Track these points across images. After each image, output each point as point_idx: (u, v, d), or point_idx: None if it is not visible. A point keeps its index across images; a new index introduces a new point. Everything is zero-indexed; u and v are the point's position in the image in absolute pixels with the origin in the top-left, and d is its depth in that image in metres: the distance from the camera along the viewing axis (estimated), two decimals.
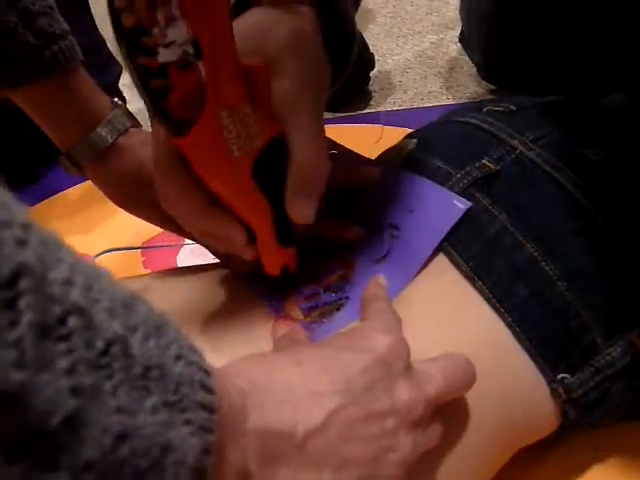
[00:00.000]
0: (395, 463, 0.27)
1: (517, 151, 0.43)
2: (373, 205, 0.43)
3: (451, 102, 1.03)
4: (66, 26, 0.44)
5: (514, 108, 0.49)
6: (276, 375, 0.27)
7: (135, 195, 0.46)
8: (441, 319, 0.37)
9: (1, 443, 0.15)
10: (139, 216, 0.50)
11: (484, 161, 0.42)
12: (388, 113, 1.00)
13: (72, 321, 0.17)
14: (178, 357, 0.21)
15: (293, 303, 0.41)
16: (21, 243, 0.16)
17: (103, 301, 0.19)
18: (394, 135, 0.77)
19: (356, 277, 0.41)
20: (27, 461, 0.16)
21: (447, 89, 1.08)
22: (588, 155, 0.42)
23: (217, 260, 0.47)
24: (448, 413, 0.32)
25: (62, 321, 0.17)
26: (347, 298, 0.40)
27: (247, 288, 0.42)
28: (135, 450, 0.18)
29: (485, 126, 0.46)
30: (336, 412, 0.26)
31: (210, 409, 0.22)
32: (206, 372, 0.23)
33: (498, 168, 0.42)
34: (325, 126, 0.37)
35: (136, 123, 0.47)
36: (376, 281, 0.38)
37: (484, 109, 0.49)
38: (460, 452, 0.34)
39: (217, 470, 0.22)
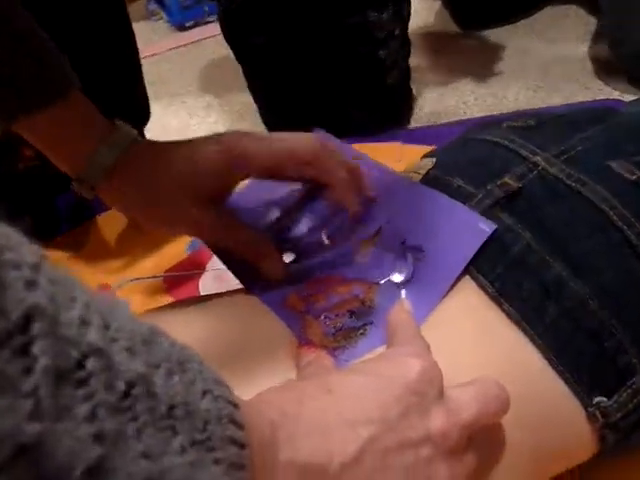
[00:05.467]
0: None
1: (539, 167, 0.42)
2: (397, 226, 0.43)
3: (469, 117, 1.02)
4: (62, 55, 0.45)
5: (533, 123, 0.48)
6: (307, 404, 0.26)
7: (150, 209, 0.46)
8: (468, 344, 0.36)
9: None
10: (156, 228, 0.49)
11: (506, 179, 0.41)
12: (406, 131, 0.99)
13: (90, 364, 0.17)
14: (204, 392, 0.21)
15: (316, 328, 0.40)
16: (31, 284, 0.16)
17: (122, 339, 0.18)
18: (413, 153, 0.77)
19: (380, 301, 0.40)
20: None
21: (464, 103, 1.07)
22: (613, 168, 0.41)
23: (239, 286, 0.47)
24: (482, 439, 0.31)
25: (79, 364, 0.16)
26: (371, 323, 0.40)
27: (269, 313, 0.42)
28: None
29: (505, 143, 0.45)
30: (371, 442, 0.26)
31: (240, 445, 0.21)
32: (234, 405, 0.22)
33: (520, 185, 0.41)
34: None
35: (141, 139, 0.46)
36: (401, 306, 0.37)
37: (503, 125, 0.48)
38: (495, 478, 0.33)
39: None
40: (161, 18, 1.86)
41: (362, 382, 0.28)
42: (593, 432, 0.35)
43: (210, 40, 1.56)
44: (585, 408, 0.35)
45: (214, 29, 1.43)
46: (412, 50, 1.10)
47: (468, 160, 0.46)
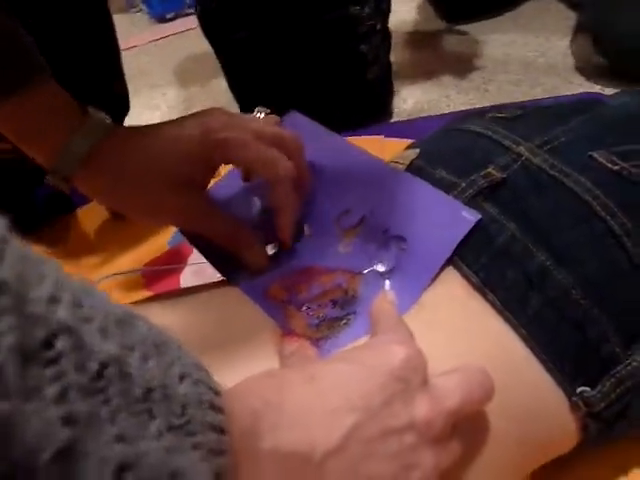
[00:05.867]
0: None
1: (523, 157, 0.41)
2: (380, 216, 0.42)
3: (451, 110, 1.02)
4: (31, 39, 0.43)
5: (518, 113, 0.48)
6: (289, 393, 0.26)
7: (128, 198, 0.44)
8: (451, 333, 0.36)
9: None
10: (137, 218, 0.48)
11: (489, 169, 0.41)
12: (388, 124, 0.99)
13: (60, 343, 0.16)
14: (183, 376, 0.20)
15: (299, 318, 0.39)
16: None
17: (95, 320, 0.18)
18: (395, 147, 0.76)
19: (363, 291, 0.40)
20: None
21: (447, 97, 1.07)
22: (596, 158, 0.41)
23: (220, 278, 0.46)
24: (467, 428, 0.31)
25: (48, 343, 0.16)
26: (355, 313, 0.39)
27: (251, 304, 0.41)
28: None
29: (489, 133, 0.45)
30: (354, 430, 0.25)
31: (220, 430, 0.21)
32: (215, 392, 0.21)
33: (504, 176, 0.41)
34: None
35: (117, 126, 0.45)
36: (385, 296, 0.37)
37: (487, 116, 0.48)
38: (479, 468, 0.33)
39: None
40: (140, 10, 1.84)
41: (345, 370, 0.28)
42: (576, 421, 0.35)
43: (191, 32, 1.55)
44: (569, 397, 0.35)
45: (195, 21, 1.41)
46: (394, 45, 1.10)
47: (452, 150, 0.45)
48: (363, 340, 0.35)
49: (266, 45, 0.90)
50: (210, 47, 1.03)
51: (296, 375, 0.27)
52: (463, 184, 0.41)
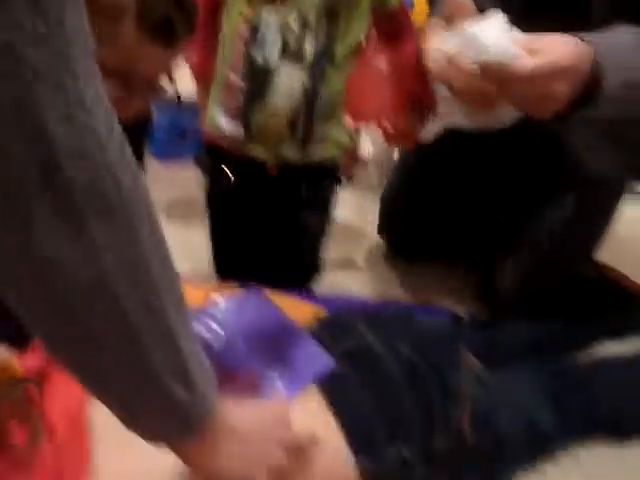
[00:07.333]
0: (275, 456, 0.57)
1: (369, 341, 0.78)
2: (281, 355, 0.77)
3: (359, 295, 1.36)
4: None
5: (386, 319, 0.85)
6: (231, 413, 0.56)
7: None
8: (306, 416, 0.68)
9: None
10: None
11: (348, 344, 0.77)
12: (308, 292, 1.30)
13: None
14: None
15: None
16: None
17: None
18: (303, 308, 1.03)
19: (265, 386, 0.74)
20: None
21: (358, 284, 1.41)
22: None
23: None
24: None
25: None
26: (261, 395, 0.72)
27: None
28: None
29: (359, 325, 0.82)
30: (255, 428, 0.57)
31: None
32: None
33: (356, 348, 0.76)
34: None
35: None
36: (278, 394, 0.70)
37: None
38: None
39: None
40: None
41: (256, 410, 0.60)
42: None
43: (183, 176, 1.77)
44: (355, 463, 0.67)
45: (189, 165, 1.67)
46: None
47: (333, 327, 0.83)
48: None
49: (252, 226, 1.21)
50: (200, 196, 1.25)
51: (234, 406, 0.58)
52: (333, 350, 0.76)
